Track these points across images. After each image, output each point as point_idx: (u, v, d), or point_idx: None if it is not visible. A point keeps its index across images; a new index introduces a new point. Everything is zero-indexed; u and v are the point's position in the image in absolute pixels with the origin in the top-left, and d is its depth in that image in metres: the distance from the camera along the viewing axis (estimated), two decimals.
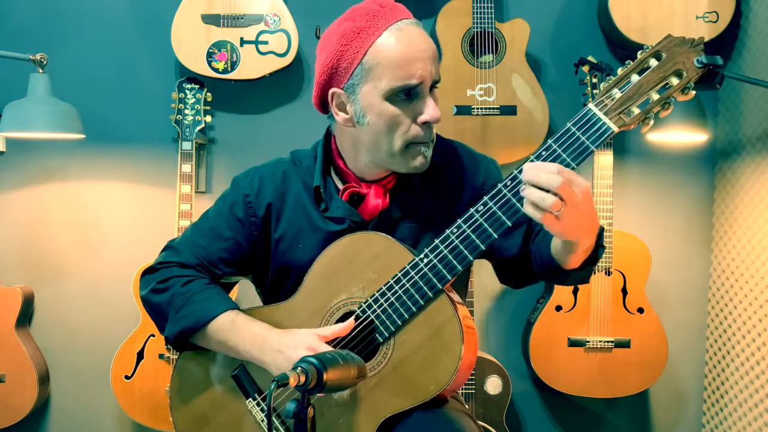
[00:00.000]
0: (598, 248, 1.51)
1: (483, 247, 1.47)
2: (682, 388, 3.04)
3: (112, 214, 3.01)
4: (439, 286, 1.49)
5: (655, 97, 1.39)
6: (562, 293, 2.79)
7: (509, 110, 2.79)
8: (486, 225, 1.47)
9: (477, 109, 2.77)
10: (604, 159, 2.74)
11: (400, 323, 1.51)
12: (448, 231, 1.49)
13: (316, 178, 1.65)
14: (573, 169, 1.39)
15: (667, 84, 1.40)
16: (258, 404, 1.59)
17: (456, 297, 1.55)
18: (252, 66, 2.82)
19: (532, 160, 1.42)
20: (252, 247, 1.68)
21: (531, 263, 1.61)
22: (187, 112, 2.83)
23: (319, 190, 1.64)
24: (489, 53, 2.81)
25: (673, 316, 2.96)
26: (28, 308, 2.94)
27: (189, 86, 2.84)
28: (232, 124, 3.01)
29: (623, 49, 2.90)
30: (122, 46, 3.00)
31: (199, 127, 2.84)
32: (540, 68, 2.97)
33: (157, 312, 1.66)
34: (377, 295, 1.52)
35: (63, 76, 2.80)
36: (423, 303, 1.49)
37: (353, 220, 1.62)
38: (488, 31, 2.79)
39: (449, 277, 1.49)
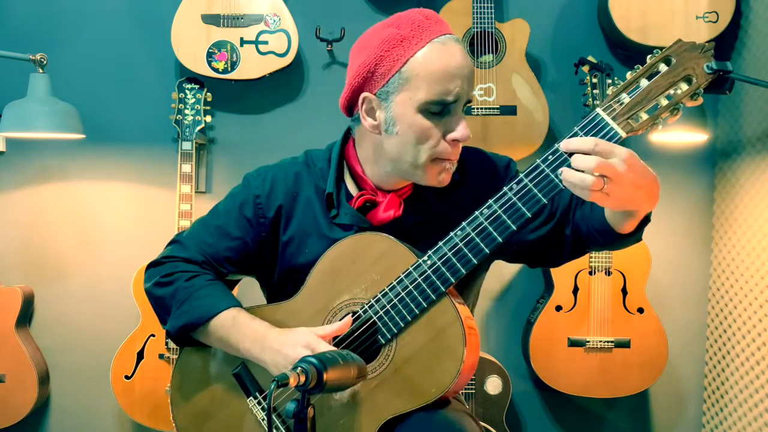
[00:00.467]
0: None
1: (487, 251, 1.47)
2: (682, 388, 3.04)
3: (112, 214, 3.01)
4: (443, 288, 1.48)
5: (664, 102, 1.38)
6: (562, 293, 2.79)
7: (509, 110, 2.79)
8: (491, 228, 1.46)
9: (477, 109, 2.77)
10: None
11: (402, 325, 1.50)
12: (452, 233, 1.49)
13: (329, 184, 1.63)
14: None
15: (676, 89, 1.39)
16: (259, 403, 1.59)
17: (459, 299, 1.55)
18: (252, 66, 2.82)
19: (538, 165, 1.41)
20: (259, 248, 1.67)
21: (574, 236, 1.58)
22: (187, 112, 2.83)
23: (332, 197, 1.63)
24: (489, 53, 2.81)
25: (673, 316, 2.97)
26: (28, 308, 2.94)
27: (189, 86, 2.84)
28: (232, 124, 3.01)
29: (623, 49, 2.90)
30: (122, 46, 3.00)
31: (199, 127, 2.84)
32: (540, 68, 2.97)
33: (160, 305, 1.66)
34: (380, 296, 1.52)
35: (63, 76, 2.80)
36: (426, 305, 1.49)
37: (361, 227, 1.61)
38: (488, 31, 2.79)
39: (452, 280, 1.48)
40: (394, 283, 1.51)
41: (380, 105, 1.54)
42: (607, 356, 2.79)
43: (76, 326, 3.00)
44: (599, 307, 2.78)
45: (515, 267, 3.01)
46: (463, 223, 1.48)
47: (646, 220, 1.47)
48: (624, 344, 2.78)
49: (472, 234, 1.47)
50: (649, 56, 1.40)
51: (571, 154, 1.36)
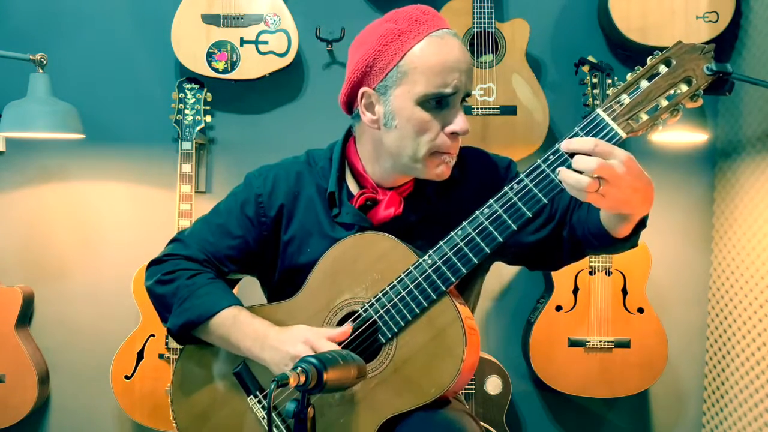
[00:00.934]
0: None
1: (488, 251, 1.47)
2: (682, 388, 3.04)
3: (112, 214, 3.01)
4: (443, 288, 1.48)
5: (664, 103, 1.39)
6: (562, 293, 2.79)
7: (509, 110, 2.79)
8: (491, 228, 1.46)
9: (477, 109, 2.77)
10: None
11: (403, 324, 1.50)
12: (453, 233, 1.49)
13: (331, 183, 1.64)
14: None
15: (676, 91, 1.39)
16: (259, 402, 1.59)
17: (459, 299, 1.55)
18: (252, 66, 2.82)
19: (538, 165, 1.42)
20: (260, 247, 1.68)
21: (571, 239, 1.58)
22: (187, 112, 2.83)
23: (333, 196, 1.63)
24: (489, 53, 2.81)
25: (673, 316, 2.97)
26: (28, 308, 2.94)
27: (189, 86, 2.84)
28: (232, 124, 3.01)
29: (623, 49, 2.90)
30: (122, 46, 3.00)
31: (199, 127, 2.84)
32: (540, 68, 2.97)
33: (161, 303, 1.66)
34: (380, 295, 1.52)
35: (63, 76, 2.80)
36: (426, 305, 1.49)
37: (363, 227, 1.61)
38: (488, 31, 2.79)
39: (453, 279, 1.48)
40: (395, 282, 1.51)
41: (379, 99, 1.55)
42: (607, 356, 2.79)
43: (76, 326, 3.00)
44: (599, 307, 2.78)
45: (515, 267, 3.01)
46: (464, 223, 1.49)
47: (642, 225, 1.47)
48: (624, 344, 2.78)
49: (473, 233, 1.48)
50: (649, 57, 1.41)
51: (571, 155, 1.36)
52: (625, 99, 1.40)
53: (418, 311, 1.50)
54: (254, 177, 1.70)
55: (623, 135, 1.40)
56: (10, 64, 2.70)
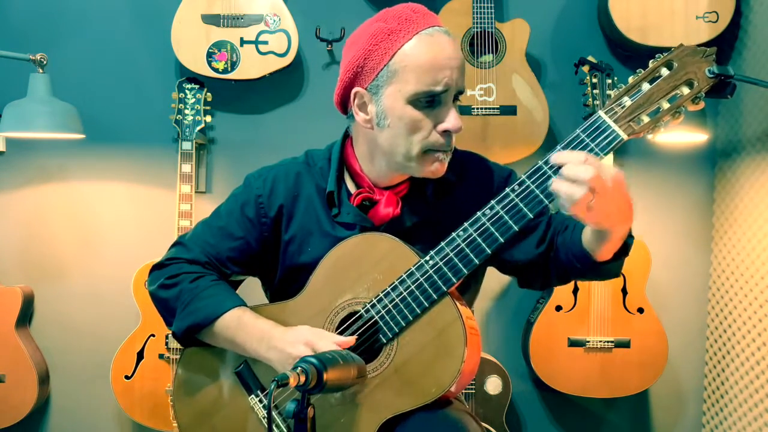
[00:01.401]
0: (629, 238, 1.50)
1: (489, 251, 1.47)
2: (682, 388, 3.04)
3: (112, 214, 3.01)
4: (444, 288, 1.49)
5: (666, 105, 1.40)
6: (562, 293, 2.79)
7: (509, 110, 2.79)
8: (492, 229, 1.47)
9: (477, 109, 2.77)
10: (605, 159, 2.73)
11: (404, 324, 1.51)
12: (454, 234, 1.49)
13: (330, 182, 1.64)
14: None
15: (678, 93, 1.40)
16: (260, 401, 1.60)
17: (460, 299, 1.55)
18: (252, 66, 2.82)
19: (540, 167, 1.42)
20: (261, 248, 1.68)
21: (555, 262, 1.60)
22: (187, 112, 2.83)
23: (332, 195, 1.63)
24: (489, 53, 2.81)
25: (673, 316, 2.97)
26: (28, 308, 2.94)
27: (189, 86, 2.84)
28: (232, 124, 3.01)
29: (623, 49, 2.90)
30: (122, 46, 3.00)
31: (199, 127, 2.84)
32: (540, 68, 2.97)
33: (165, 307, 1.66)
34: (381, 295, 1.52)
35: (63, 76, 2.80)
36: (427, 305, 1.49)
37: (363, 226, 1.62)
38: (488, 31, 2.79)
39: (454, 280, 1.48)
40: (396, 282, 1.51)
41: (371, 99, 1.55)
42: (607, 356, 2.79)
43: (76, 326, 3.00)
44: (599, 307, 2.78)
45: None
46: (465, 224, 1.49)
47: (624, 252, 1.50)
48: (624, 344, 2.78)
49: (474, 234, 1.48)
50: (651, 60, 1.42)
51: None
52: (627, 101, 1.41)
53: (419, 311, 1.50)
54: (254, 178, 1.71)
55: (625, 137, 1.41)
56: (10, 64, 2.70)
